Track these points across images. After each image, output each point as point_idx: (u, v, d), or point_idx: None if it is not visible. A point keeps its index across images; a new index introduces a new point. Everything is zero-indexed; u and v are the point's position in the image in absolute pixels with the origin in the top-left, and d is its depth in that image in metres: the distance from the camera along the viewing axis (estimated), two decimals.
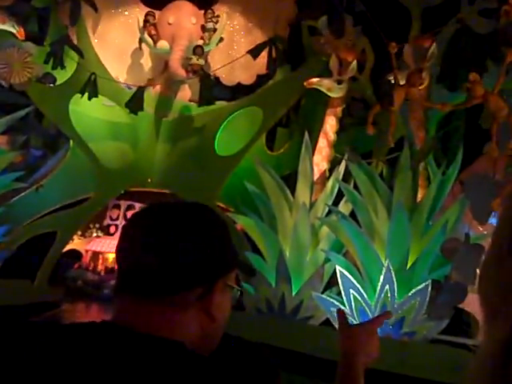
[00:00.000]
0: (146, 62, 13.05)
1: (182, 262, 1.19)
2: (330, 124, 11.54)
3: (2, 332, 1.20)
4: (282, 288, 10.56)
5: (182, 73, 11.92)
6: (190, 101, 13.31)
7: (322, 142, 11.52)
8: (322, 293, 10.25)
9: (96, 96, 10.94)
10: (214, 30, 13.10)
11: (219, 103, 13.21)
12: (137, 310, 1.18)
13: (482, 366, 0.78)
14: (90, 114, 12.69)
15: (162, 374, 1.09)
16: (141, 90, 10.54)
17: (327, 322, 10.24)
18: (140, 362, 1.10)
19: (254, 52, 11.30)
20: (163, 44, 12.14)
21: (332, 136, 11.50)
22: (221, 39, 13.32)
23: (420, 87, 10.00)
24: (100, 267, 32.80)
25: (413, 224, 9.34)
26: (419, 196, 9.84)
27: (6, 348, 1.16)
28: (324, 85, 11.28)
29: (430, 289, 8.89)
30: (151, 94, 12.83)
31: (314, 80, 11.31)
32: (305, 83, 11.30)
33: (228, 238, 1.28)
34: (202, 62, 12.05)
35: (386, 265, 9.12)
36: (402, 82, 10.12)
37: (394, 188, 9.69)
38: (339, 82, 11.23)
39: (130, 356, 1.11)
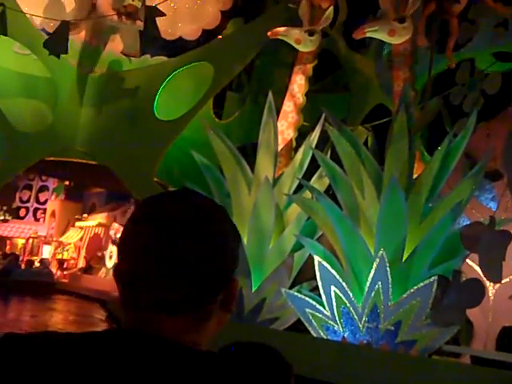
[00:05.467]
0: (69, 1, 10.54)
1: (213, 268, 1.10)
2: (299, 84, 9.49)
3: (19, 344, 1.11)
4: (239, 283, 8.51)
5: (113, 16, 9.63)
6: (124, 54, 11.02)
7: (288, 106, 9.47)
8: (290, 289, 8.29)
9: (5, 33, 8.49)
10: None
11: (159, 58, 11.00)
12: (156, 327, 1.09)
13: None
14: None
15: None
16: (64, 26, 8.18)
17: (295, 327, 8.32)
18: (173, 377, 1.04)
19: None
20: None
21: (300, 98, 9.46)
22: None
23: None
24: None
25: (409, 206, 7.46)
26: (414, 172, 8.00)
27: (25, 361, 1.08)
28: (292, 35, 9.23)
29: (434, 287, 7.06)
30: (75, 44, 10.42)
31: (281, 29, 9.25)
32: (269, 33, 9.23)
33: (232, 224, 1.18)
34: (138, 3, 9.76)
35: (379, 255, 7.22)
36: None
37: (386, 161, 7.79)
38: (311, 33, 9.21)
39: (158, 370, 1.05)
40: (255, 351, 1.11)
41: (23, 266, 25.29)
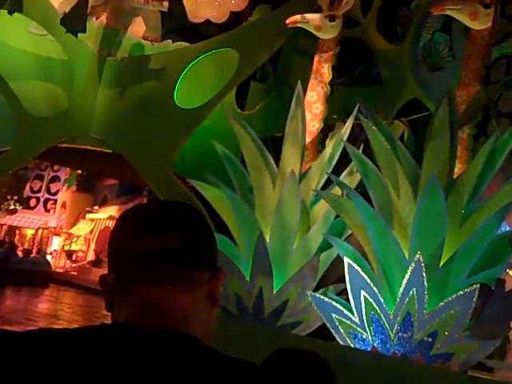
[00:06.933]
0: None
1: (202, 241, 1.21)
2: (322, 73, 8.92)
3: (10, 342, 1.08)
4: (260, 283, 7.97)
5: None
6: (144, 39, 10.50)
7: (312, 96, 8.89)
8: (315, 291, 7.74)
9: (19, 11, 8.01)
10: None
11: (181, 43, 10.48)
12: (154, 301, 1.14)
13: None
14: (11, 43, 9.73)
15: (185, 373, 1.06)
16: (83, 2, 7.67)
17: (319, 332, 7.78)
18: (170, 368, 1.06)
19: None
20: None
21: (325, 88, 8.90)
22: None
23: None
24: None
25: (449, 207, 6.89)
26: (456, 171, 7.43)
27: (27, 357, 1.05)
28: (311, 22, 8.69)
29: (475, 296, 6.49)
30: (93, 25, 9.92)
31: (298, 16, 8.70)
32: (287, 21, 8.68)
33: None
34: None
35: (415, 259, 6.65)
36: None
37: (425, 158, 7.21)
38: (331, 19, 8.66)
39: (154, 362, 1.05)
40: (299, 359, 1.17)
41: (20, 255, 24.90)
